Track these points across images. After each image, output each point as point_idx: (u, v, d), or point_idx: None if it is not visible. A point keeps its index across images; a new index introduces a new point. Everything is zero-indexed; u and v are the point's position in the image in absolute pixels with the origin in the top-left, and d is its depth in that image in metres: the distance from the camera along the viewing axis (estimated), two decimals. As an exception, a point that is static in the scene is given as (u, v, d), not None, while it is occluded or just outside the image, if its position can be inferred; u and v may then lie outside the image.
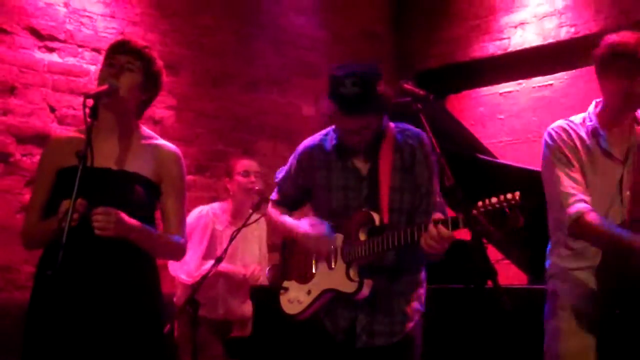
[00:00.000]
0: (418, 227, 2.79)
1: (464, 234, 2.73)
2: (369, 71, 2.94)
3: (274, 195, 3.36)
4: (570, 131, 3.17)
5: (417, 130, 3.11)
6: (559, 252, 3.20)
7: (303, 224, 3.13)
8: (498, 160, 4.38)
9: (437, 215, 2.89)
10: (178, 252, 3.20)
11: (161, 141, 3.22)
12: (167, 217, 3.15)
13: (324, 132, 3.21)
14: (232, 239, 4.35)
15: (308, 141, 3.23)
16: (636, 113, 3.20)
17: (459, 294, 3.66)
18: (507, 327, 3.49)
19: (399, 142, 3.08)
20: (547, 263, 3.26)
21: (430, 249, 2.75)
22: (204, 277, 4.35)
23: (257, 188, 4.62)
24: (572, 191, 3.06)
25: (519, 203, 2.52)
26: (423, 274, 3.16)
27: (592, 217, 3.01)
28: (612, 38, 3.14)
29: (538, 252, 4.22)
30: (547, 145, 3.21)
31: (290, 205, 3.34)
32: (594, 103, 3.25)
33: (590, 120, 3.19)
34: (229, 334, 4.80)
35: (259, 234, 4.95)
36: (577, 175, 3.10)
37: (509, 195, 2.54)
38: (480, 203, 2.59)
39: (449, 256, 2.92)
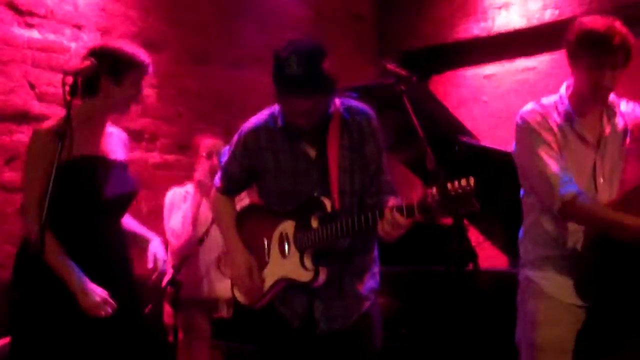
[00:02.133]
0: (372, 214, 2.72)
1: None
2: (314, 49, 2.81)
3: (217, 182, 3.23)
4: (545, 114, 3.14)
5: (364, 106, 3.03)
6: (533, 236, 3.17)
7: (241, 258, 3.08)
8: (481, 143, 4.37)
9: (391, 200, 2.85)
10: None
11: (114, 126, 3.42)
12: None
13: (268, 111, 3.07)
14: (212, 222, 4.34)
15: (252, 121, 3.09)
16: (610, 101, 3.16)
17: (440, 277, 3.66)
18: (488, 309, 3.49)
19: (347, 121, 2.98)
20: (521, 250, 3.23)
21: (386, 235, 2.70)
22: (185, 258, 4.34)
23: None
24: (561, 173, 3.02)
25: (473, 189, 2.47)
26: (375, 252, 3.12)
27: (585, 199, 2.99)
28: (583, 23, 3.06)
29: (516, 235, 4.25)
30: (523, 129, 3.16)
31: (234, 190, 3.24)
32: (565, 85, 3.20)
33: (563, 103, 3.15)
34: (215, 313, 4.78)
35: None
36: (559, 157, 3.06)
37: (463, 181, 2.49)
38: (434, 189, 2.53)
39: (429, 239, 2.92)
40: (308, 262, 2.91)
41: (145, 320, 3.63)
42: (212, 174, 4.84)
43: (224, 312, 4.69)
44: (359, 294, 3.01)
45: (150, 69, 3.33)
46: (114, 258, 3.22)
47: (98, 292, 3.05)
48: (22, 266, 3.11)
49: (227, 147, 3.20)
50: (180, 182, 5.17)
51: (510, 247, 4.54)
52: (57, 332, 3.03)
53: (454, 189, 2.48)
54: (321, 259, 2.92)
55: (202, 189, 4.76)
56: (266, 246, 3.06)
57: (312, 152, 2.99)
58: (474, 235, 4.39)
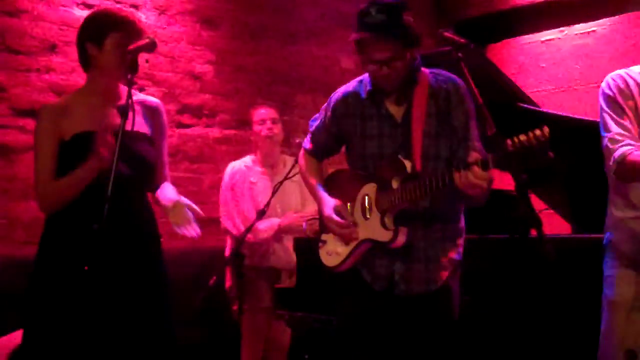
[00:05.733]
0: (449, 170, 2.76)
1: (508, 185, 2.71)
2: (395, 1, 2.91)
3: (307, 144, 3.34)
4: (629, 79, 3.12)
5: (451, 75, 3.07)
6: (613, 199, 3.19)
7: (328, 204, 3.14)
8: (540, 109, 4.32)
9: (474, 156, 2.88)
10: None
11: (142, 95, 3.28)
12: (161, 167, 3.27)
13: (358, 79, 3.17)
14: (274, 192, 4.39)
15: (342, 89, 3.19)
16: None
17: (503, 244, 3.65)
18: (550, 277, 3.47)
19: (434, 87, 3.03)
20: (606, 214, 3.25)
21: (468, 190, 2.71)
22: (248, 229, 4.40)
23: (297, 141, 4.63)
24: (618, 137, 3.02)
25: (548, 137, 2.47)
26: (461, 223, 3.14)
27: (635, 155, 2.98)
28: None
29: (582, 202, 4.20)
30: (601, 93, 3.17)
31: (322, 154, 3.34)
32: None
33: None
34: (277, 283, 4.85)
35: (299, 186, 4.91)
36: (627, 123, 3.05)
37: (538, 132, 2.49)
38: (509, 141, 2.54)
39: (492, 206, 2.91)
40: (389, 222, 2.96)
41: (210, 291, 3.62)
42: (264, 139, 4.92)
43: (287, 282, 4.75)
44: (440, 261, 3.03)
45: (141, 30, 3.08)
46: (132, 235, 3.05)
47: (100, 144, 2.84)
48: (47, 245, 3.06)
49: (317, 114, 3.29)
50: (239, 156, 5.23)
51: (573, 214, 4.51)
52: (73, 316, 2.91)
53: (529, 139, 2.49)
54: (402, 220, 2.96)
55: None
56: (349, 209, 3.12)
57: (397, 116, 3.05)
58: (536, 203, 4.37)
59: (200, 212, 3.18)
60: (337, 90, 3.21)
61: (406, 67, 2.97)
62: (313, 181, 3.30)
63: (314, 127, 3.31)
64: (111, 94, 3.11)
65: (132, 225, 3.06)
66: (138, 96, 3.19)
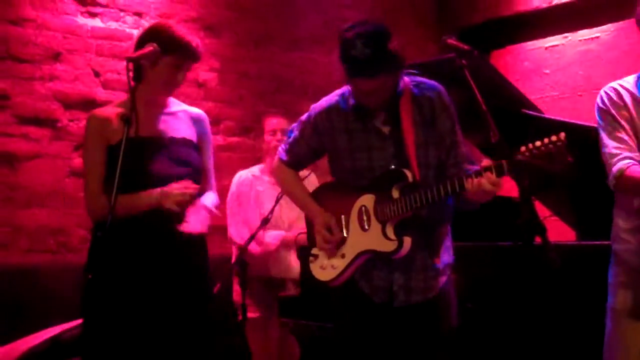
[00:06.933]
0: (458, 177, 2.75)
1: (512, 191, 2.70)
2: (379, 30, 2.84)
3: (283, 156, 3.26)
4: (622, 90, 3.12)
5: (433, 82, 3.05)
6: (620, 211, 3.18)
7: (319, 217, 3.12)
8: (545, 115, 4.31)
9: (470, 166, 2.89)
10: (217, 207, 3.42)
11: (186, 105, 3.41)
12: (207, 175, 3.38)
13: (339, 92, 3.12)
14: (277, 201, 4.39)
15: (323, 103, 3.13)
16: None
17: (507, 251, 3.63)
18: (555, 285, 3.46)
19: (417, 97, 3.01)
20: (612, 223, 3.24)
21: (479, 196, 2.72)
22: (251, 238, 4.39)
23: None
24: (615, 151, 3.04)
25: (565, 142, 2.48)
26: (449, 226, 3.14)
27: (633, 170, 2.98)
28: None
29: (587, 208, 4.19)
30: (596, 108, 3.18)
31: (299, 165, 3.29)
32: None
33: None
34: (282, 292, 4.84)
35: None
36: (623, 135, 3.06)
37: (554, 137, 2.50)
38: (524, 148, 2.54)
39: (495, 213, 2.90)
40: (390, 233, 2.94)
41: (214, 299, 3.68)
42: (275, 149, 4.90)
43: (292, 291, 4.74)
44: (436, 267, 3.02)
45: (196, 56, 3.23)
46: (175, 239, 3.15)
47: (173, 187, 3.10)
48: (95, 249, 3.15)
49: (295, 124, 3.24)
50: (243, 163, 5.23)
51: (578, 221, 4.50)
52: (127, 315, 3.08)
53: (545, 144, 2.50)
54: (403, 229, 2.94)
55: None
56: (344, 222, 3.09)
57: (385, 129, 3.01)
58: (540, 210, 4.35)
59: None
60: (317, 103, 3.16)
61: (393, 88, 2.95)
62: (300, 192, 3.27)
63: (291, 139, 3.23)
64: (157, 103, 3.27)
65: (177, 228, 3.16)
66: (182, 106, 3.38)
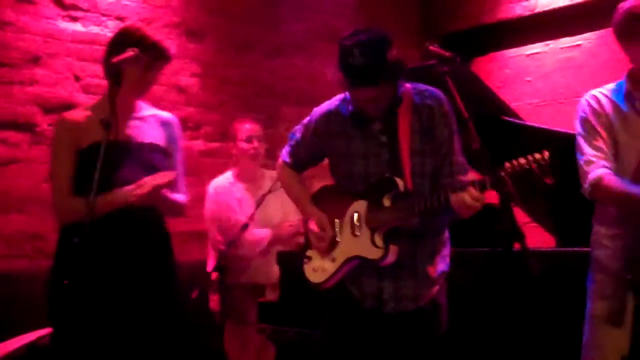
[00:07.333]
0: (444, 190, 2.77)
1: (491, 197, 2.71)
2: (378, 39, 2.84)
3: (286, 157, 3.30)
4: (603, 98, 3.16)
5: (434, 89, 3.06)
6: (599, 217, 3.22)
7: (315, 218, 3.14)
8: (525, 122, 4.33)
9: (462, 177, 2.90)
10: (180, 210, 3.44)
11: (157, 110, 3.42)
12: (175, 179, 3.34)
13: (339, 97, 3.13)
14: (258, 205, 4.37)
15: (325, 107, 3.16)
16: None
17: (486, 257, 3.64)
18: (534, 291, 3.47)
19: (417, 104, 3.02)
20: (591, 230, 3.28)
21: (461, 210, 2.74)
22: (230, 244, 4.37)
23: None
24: (592, 159, 3.09)
25: (549, 162, 2.51)
26: (446, 234, 3.14)
27: (610, 179, 3.02)
28: (628, 3, 3.13)
29: (566, 215, 4.20)
30: (577, 115, 3.22)
31: (302, 167, 3.32)
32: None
33: (625, 85, 3.18)
34: (261, 297, 4.82)
35: (280, 199, 4.85)
36: (600, 143, 3.11)
37: (537, 155, 2.54)
38: (507, 164, 2.57)
39: (475, 219, 2.91)
40: (379, 240, 2.95)
41: (192, 305, 3.68)
42: (251, 157, 4.88)
43: (271, 296, 4.72)
44: (430, 275, 3.03)
45: (167, 56, 3.27)
46: (143, 242, 3.19)
47: (141, 183, 3.13)
48: (61, 254, 3.16)
49: (298, 127, 3.26)
50: (224, 168, 5.20)
51: (557, 227, 4.51)
52: (96, 319, 3.06)
53: (529, 162, 2.54)
54: (392, 237, 2.95)
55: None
56: (338, 226, 3.10)
57: (382, 135, 3.02)
58: (520, 216, 4.36)
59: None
60: (319, 107, 3.18)
61: (391, 96, 2.96)
62: (300, 194, 3.28)
63: (293, 141, 3.27)
64: (128, 107, 3.26)
65: (145, 231, 3.21)
66: (152, 110, 3.37)
